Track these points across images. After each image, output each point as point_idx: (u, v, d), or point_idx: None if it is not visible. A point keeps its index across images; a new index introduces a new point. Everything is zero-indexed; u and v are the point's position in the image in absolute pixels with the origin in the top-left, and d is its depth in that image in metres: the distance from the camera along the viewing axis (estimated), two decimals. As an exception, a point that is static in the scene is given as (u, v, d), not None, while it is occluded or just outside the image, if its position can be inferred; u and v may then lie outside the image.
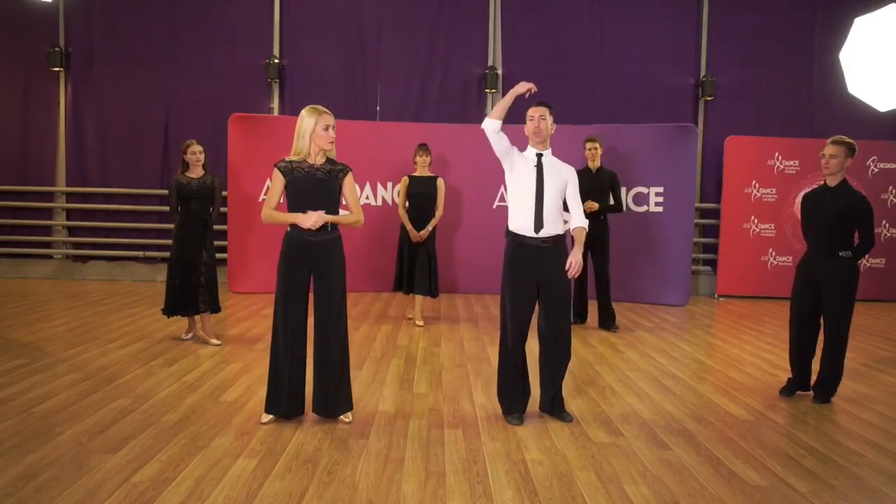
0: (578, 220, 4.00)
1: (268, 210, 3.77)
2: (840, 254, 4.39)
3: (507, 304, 3.96)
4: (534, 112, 3.98)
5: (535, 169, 3.93)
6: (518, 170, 3.95)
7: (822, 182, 4.55)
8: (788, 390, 4.65)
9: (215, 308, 5.61)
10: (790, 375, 4.71)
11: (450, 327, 6.61)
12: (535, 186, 3.90)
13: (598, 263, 6.70)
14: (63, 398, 4.11)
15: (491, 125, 3.84)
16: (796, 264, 4.68)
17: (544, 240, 3.89)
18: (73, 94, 9.04)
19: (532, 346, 4.05)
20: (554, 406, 4.04)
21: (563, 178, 3.97)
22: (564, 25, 9.13)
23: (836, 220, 4.38)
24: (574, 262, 3.86)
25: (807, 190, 4.80)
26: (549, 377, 4.02)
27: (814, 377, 4.62)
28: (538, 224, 3.88)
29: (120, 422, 3.75)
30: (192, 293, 5.51)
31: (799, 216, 4.78)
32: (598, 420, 4.04)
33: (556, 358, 3.98)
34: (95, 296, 7.85)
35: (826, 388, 4.52)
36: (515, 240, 3.94)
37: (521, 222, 3.92)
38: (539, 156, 3.97)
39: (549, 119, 3.99)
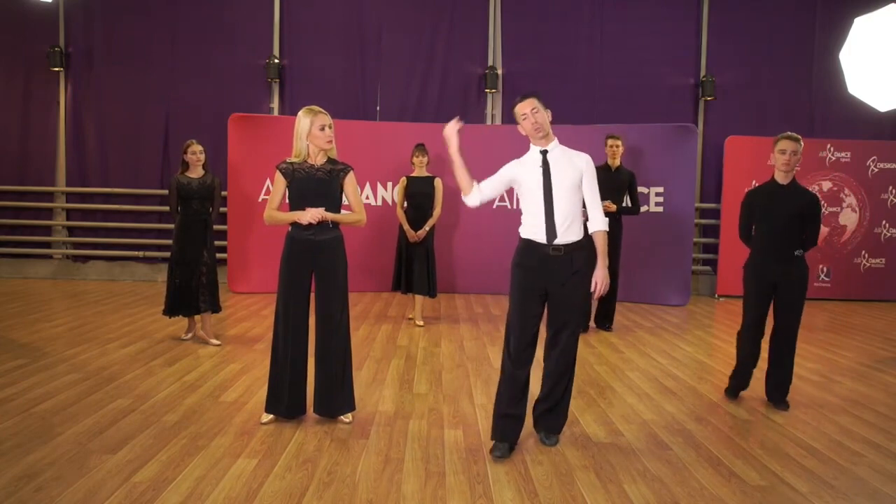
0: (598, 223, 3.51)
1: (269, 211, 3.78)
2: (795, 253, 4.30)
3: (512, 311, 3.51)
4: (523, 108, 3.46)
5: (540, 170, 3.45)
6: (525, 177, 3.49)
7: (770, 179, 4.39)
8: (734, 394, 4.52)
9: (216, 308, 5.62)
10: (732, 381, 4.56)
11: (450, 327, 6.61)
12: (542, 192, 3.42)
13: (609, 264, 6.47)
14: (63, 398, 4.11)
15: (473, 200, 3.55)
16: (746, 268, 4.47)
17: (555, 247, 3.41)
18: (73, 94, 9.04)
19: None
20: (541, 421, 3.63)
21: (576, 171, 3.46)
22: (564, 25, 9.12)
23: (795, 219, 4.26)
24: (599, 281, 3.48)
25: (751, 188, 4.52)
26: (546, 390, 3.60)
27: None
28: (550, 234, 3.40)
29: (120, 422, 3.75)
30: (192, 293, 5.51)
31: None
32: (598, 420, 4.04)
33: (555, 373, 3.55)
34: (95, 296, 7.85)
35: (784, 391, 4.41)
36: (528, 245, 3.48)
37: (532, 231, 3.47)
38: (544, 153, 3.48)
39: (542, 107, 3.47)
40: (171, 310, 5.59)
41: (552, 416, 3.63)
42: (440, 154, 8.06)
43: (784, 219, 4.27)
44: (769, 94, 9.18)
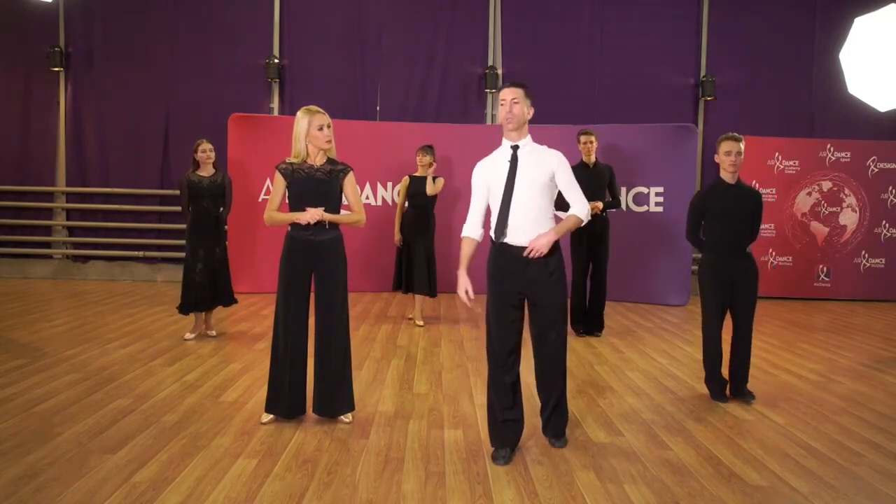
0: (577, 210, 3.43)
1: (269, 212, 3.79)
2: (747, 250, 4.45)
3: (491, 318, 3.44)
4: (505, 95, 3.36)
5: (508, 165, 3.38)
6: (493, 178, 3.42)
7: (717, 180, 4.46)
8: (722, 395, 4.50)
9: (230, 301, 5.82)
10: (711, 384, 4.53)
11: (450, 327, 6.61)
12: (503, 184, 3.36)
13: (598, 264, 6.36)
14: (63, 398, 4.11)
15: (479, 237, 3.52)
16: (701, 268, 4.50)
17: (516, 247, 3.35)
18: (73, 94, 9.04)
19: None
20: (548, 427, 3.61)
21: (546, 169, 3.37)
22: (564, 25, 9.13)
23: (748, 217, 4.41)
24: (536, 244, 3.29)
25: (701, 191, 4.62)
26: (545, 396, 3.59)
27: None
28: (500, 230, 3.36)
29: (120, 422, 3.75)
30: (207, 289, 5.66)
31: (700, 216, 4.55)
32: (598, 420, 4.04)
33: (549, 375, 3.53)
34: (95, 296, 7.85)
35: (745, 381, 4.49)
36: (494, 246, 3.44)
37: (493, 226, 3.42)
38: (514, 148, 3.41)
39: (525, 102, 3.37)
40: (187, 307, 5.67)
41: (556, 418, 3.59)
42: (442, 154, 8.07)
43: (739, 217, 4.41)
44: (769, 94, 9.19)
